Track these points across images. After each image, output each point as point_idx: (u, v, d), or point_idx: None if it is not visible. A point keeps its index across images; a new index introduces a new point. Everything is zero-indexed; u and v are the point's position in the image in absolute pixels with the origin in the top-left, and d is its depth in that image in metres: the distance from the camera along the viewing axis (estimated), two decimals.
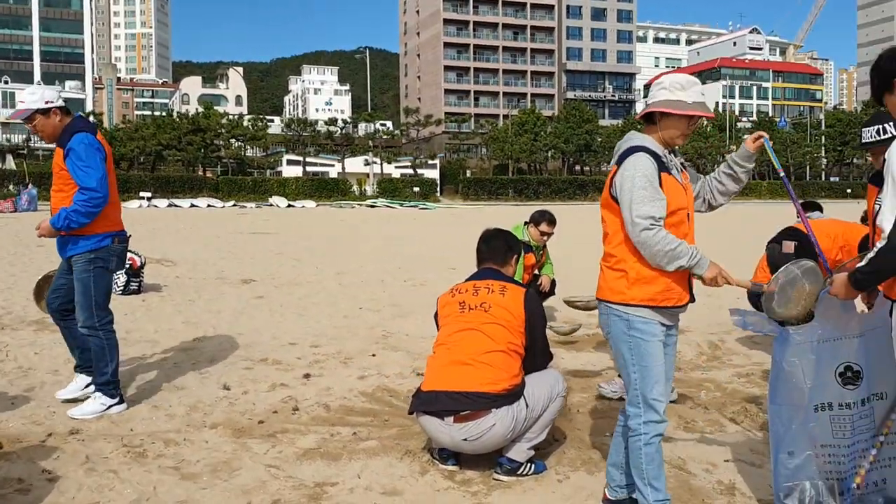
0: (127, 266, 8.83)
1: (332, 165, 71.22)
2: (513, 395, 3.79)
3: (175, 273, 11.67)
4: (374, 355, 6.50)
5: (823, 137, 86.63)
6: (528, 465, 3.90)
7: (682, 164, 3.46)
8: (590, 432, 4.61)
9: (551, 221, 7.02)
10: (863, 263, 2.95)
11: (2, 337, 7.00)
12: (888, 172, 2.85)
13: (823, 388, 3.29)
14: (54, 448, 4.20)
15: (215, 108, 70.26)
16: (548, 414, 3.95)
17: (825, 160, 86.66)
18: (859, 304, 3.67)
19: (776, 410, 3.36)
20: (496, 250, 4.19)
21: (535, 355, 3.98)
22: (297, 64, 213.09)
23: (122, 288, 9.05)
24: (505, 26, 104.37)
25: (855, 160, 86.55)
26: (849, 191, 74.16)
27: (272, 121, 77.99)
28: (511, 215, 34.72)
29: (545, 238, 7.08)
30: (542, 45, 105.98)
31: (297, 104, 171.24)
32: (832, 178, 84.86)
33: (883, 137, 3.59)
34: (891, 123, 3.56)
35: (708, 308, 8.89)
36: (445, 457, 4.00)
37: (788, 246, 5.95)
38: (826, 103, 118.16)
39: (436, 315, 4.22)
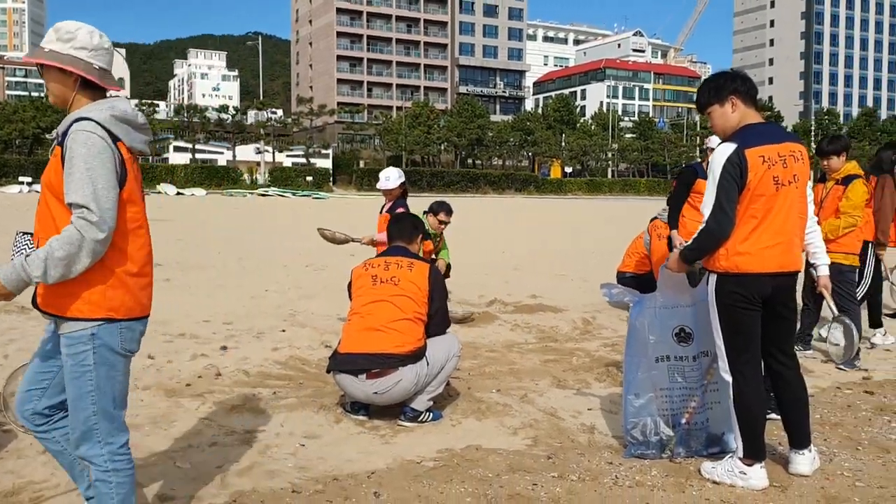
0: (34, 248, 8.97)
1: (222, 153, 70.02)
2: (417, 355, 4.52)
3: None
4: (283, 331, 7.10)
5: (699, 138, 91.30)
6: (428, 413, 4.64)
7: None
8: (478, 389, 5.38)
9: (448, 211, 7.79)
10: (689, 242, 3.85)
11: None
12: (710, 170, 3.73)
13: (663, 343, 4.16)
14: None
15: None
16: (445, 371, 4.70)
17: (700, 159, 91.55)
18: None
19: (627, 361, 4.23)
20: (404, 230, 4.92)
21: (437, 322, 4.72)
22: (183, 47, 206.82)
23: None
24: (398, 18, 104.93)
25: None
26: None
27: (157, 105, 75.72)
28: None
29: (442, 226, 7.83)
30: (436, 38, 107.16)
31: (183, 89, 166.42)
32: None
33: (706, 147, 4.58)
34: (710, 137, 4.54)
35: (583, 291, 9.93)
36: (357, 409, 4.69)
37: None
38: None
39: (349, 285, 4.89)
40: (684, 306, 4.17)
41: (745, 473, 3.70)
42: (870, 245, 6.88)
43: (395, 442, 4.32)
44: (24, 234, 9.32)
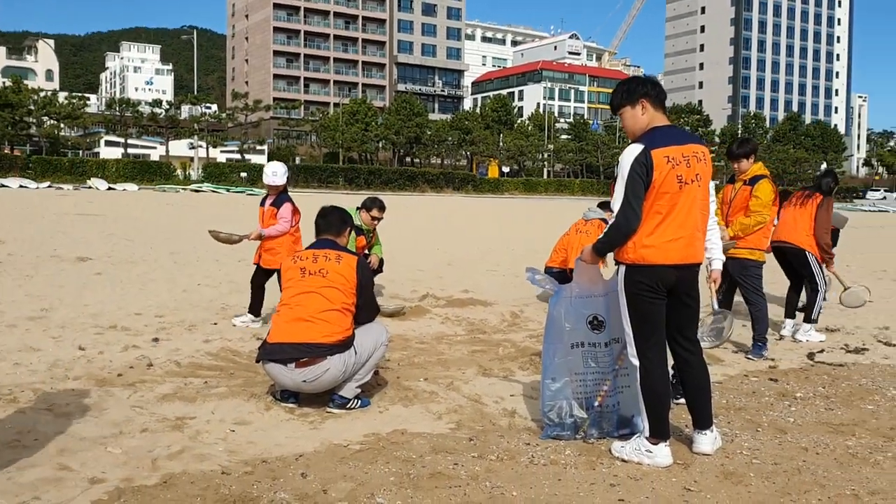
0: None
1: (155, 148, 68.57)
2: (345, 344, 4.69)
3: (6, 251, 11.58)
4: (215, 324, 7.17)
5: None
6: (356, 400, 4.81)
7: None
8: (406, 378, 5.58)
9: (381, 207, 7.96)
10: (601, 236, 4.11)
11: None
12: (619, 169, 4.00)
13: (578, 331, 4.42)
14: None
15: (24, 82, 65.50)
16: (373, 360, 4.88)
17: None
18: (605, 271, 4.85)
19: (546, 347, 4.48)
20: (332, 223, 5.08)
21: (365, 312, 4.90)
22: (114, 39, 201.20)
23: None
24: (336, 15, 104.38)
25: None
26: None
27: (88, 99, 73.68)
28: (342, 203, 35.42)
29: (375, 222, 7.99)
30: (374, 35, 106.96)
31: (115, 82, 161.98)
32: None
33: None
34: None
35: (513, 285, 10.22)
36: (286, 397, 4.83)
37: None
38: None
39: (278, 277, 5.03)
40: (597, 296, 4.44)
41: (651, 452, 3.98)
42: (810, 255, 7.32)
43: (323, 427, 4.48)
44: None
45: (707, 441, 4.13)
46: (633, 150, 3.93)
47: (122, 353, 5.95)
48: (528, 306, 8.82)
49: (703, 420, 4.14)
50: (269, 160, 67.12)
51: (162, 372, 5.47)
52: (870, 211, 57.35)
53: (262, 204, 7.44)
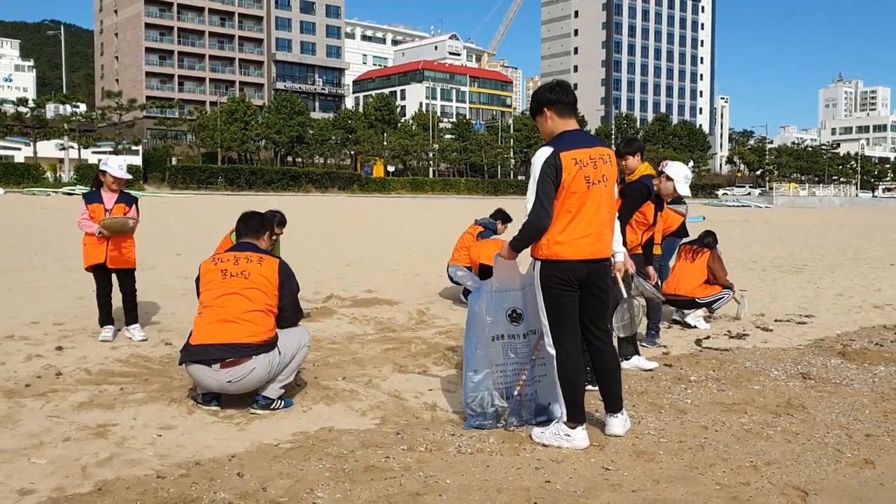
0: None
1: (20, 149, 64.73)
2: (269, 344, 4.74)
3: None
4: (119, 330, 6.99)
5: (512, 140, 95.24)
6: (279, 401, 4.87)
7: None
8: (324, 378, 5.66)
9: (282, 223, 7.82)
10: (516, 234, 4.35)
11: None
12: (531, 171, 4.24)
13: (498, 323, 4.65)
14: None
15: None
16: (296, 360, 4.95)
17: (514, 160, 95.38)
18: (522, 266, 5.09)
19: (467, 341, 4.68)
20: (251, 227, 5.12)
21: (289, 313, 4.96)
22: None
23: None
24: (211, 11, 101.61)
25: None
26: None
27: None
28: (224, 205, 34.65)
29: (274, 238, 7.72)
30: (251, 33, 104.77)
31: None
32: (520, 177, 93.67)
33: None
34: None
35: (414, 284, 10.41)
36: (208, 400, 4.83)
37: None
38: (515, 109, 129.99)
39: (197, 279, 5.02)
40: (515, 290, 4.68)
41: (569, 435, 4.25)
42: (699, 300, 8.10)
43: (249, 428, 4.52)
44: None
45: (618, 423, 4.44)
46: (543, 153, 4.19)
47: (26, 363, 5.74)
48: (433, 304, 9.02)
49: (614, 403, 4.45)
50: (144, 161, 64.84)
51: (73, 380, 5.33)
52: (734, 206, 60.92)
53: (97, 200, 6.71)
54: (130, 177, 6.97)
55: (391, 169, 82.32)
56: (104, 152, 64.81)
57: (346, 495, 3.53)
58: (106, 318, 6.72)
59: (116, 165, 6.77)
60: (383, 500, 3.47)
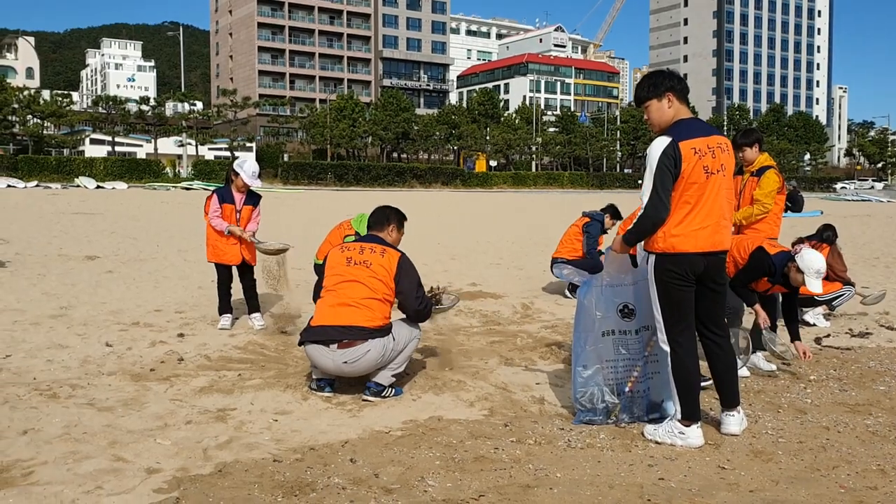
0: None
1: (141, 146, 68.21)
2: (384, 330, 4.87)
3: (13, 250, 11.62)
4: (237, 318, 7.26)
5: (619, 132, 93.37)
6: (390, 389, 4.95)
7: None
8: (432, 368, 5.71)
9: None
10: (630, 227, 4.25)
11: None
12: (647, 161, 4.13)
13: (609, 319, 4.57)
14: None
15: (7, 80, 64.96)
16: (408, 349, 5.05)
17: (620, 153, 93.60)
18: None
19: (576, 336, 4.62)
20: (378, 221, 5.27)
21: (408, 304, 5.07)
22: (94, 36, 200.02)
23: None
24: (321, 10, 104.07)
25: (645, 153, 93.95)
26: (639, 181, 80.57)
27: (72, 96, 73.13)
28: (332, 199, 35.49)
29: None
30: (359, 31, 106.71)
31: (96, 79, 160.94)
32: (626, 170, 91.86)
33: None
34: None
35: (519, 278, 10.37)
36: (322, 386, 4.97)
37: None
38: (621, 100, 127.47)
39: (322, 264, 5.20)
40: (627, 285, 4.59)
41: (683, 433, 4.13)
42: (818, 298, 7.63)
43: (361, 415, 4.61)
44: None
45: (735, 422, 4.29)
46: (661, 143, 4.07)
47: (151, 348, 6.05)
48: (537, 298, 8.97)
49: (730, 399, 4.30)
50: (257, 158, 67.08)
51: (194, 366, 5.57)
52: (854, 200, 57.87)
53: (229, 201, 6.99)
54: (259, 184, 7.21)
55: (493, 164, 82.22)
56: (220, 149, 67.56)
57: (456, 484, 3.55)
58: (225, 307, 6.99)
59: (250, 172, 7.00)
60: (494, 491, 3.47)
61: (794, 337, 5.80)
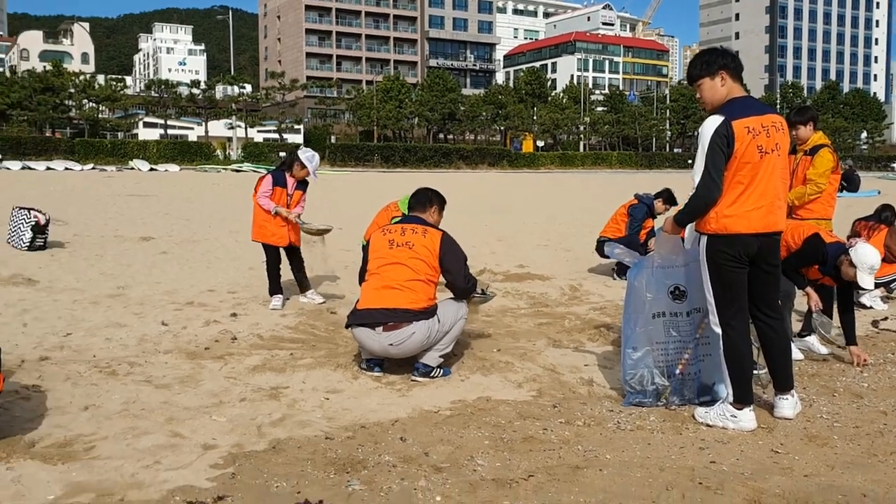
0: (33, 222, 9.16)
1: (192, 129, 69.30)
2: (429, 312, 4.89)
3: (72, 231, 11.93)
4: (288, 299, 7.37)
5: (668, 111, 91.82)
6: (438, 369, 4.99)
7: None
8: (479, 349, 5.74)
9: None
10: (682, 207, 4.20)
11: None
12: (699, 140, 4.07)
13: (660, 301, 4.53)
14: (32, 370, 4.88)
15: (63, 66, 66.49)
16: (454, 330, 5.06)
17: (669, 132, 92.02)
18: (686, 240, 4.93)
19: (626, 317, 4.59)
20: (420, 202, 5.29)
21: (457, 283, 5.11)
22: (146, 21, 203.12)
23: (28, 244, 9.29)
24: None
25: (696, 132, 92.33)
26: (689, 161, 79.42)
27: (125, 81, 74.53)
28: (379, 181, 35.65)
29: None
30: (405, 11, 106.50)
31: (149, 63, 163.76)
32: (676, 150, 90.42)
33: None
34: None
35: (566, 260, 10.34)
36: (372, 366, 5.03)
37: None
38: (671, 79, 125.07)
39: (366, 247, 5.25)
40: (678, 266, 4.54)
41: (735, 416, 4.09)
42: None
43: (410, 395, 4.66)
44: (21, 209, 9.50)
45: (789, 405, 4.23)
46: (713, 122, 4.00)
47: (205, 327, 6.18)
48: (585, 280, 8.92)
49: (784, 382, 4.24)
50: (304, 140, 67.65)
51: (247, 345, 5.69)
52: None
53: (282, 184, 7.14)
54: (317, 180, 7.41)
55: (540, 144, 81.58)
56: (269, 131, 68.26)
57: (505, 464, 3.57)
58: (275, 287, 7.10)
59: (314, 167, 7.25)
60: (543, 471, 3.48)
61: (850, 341, 5.58)
